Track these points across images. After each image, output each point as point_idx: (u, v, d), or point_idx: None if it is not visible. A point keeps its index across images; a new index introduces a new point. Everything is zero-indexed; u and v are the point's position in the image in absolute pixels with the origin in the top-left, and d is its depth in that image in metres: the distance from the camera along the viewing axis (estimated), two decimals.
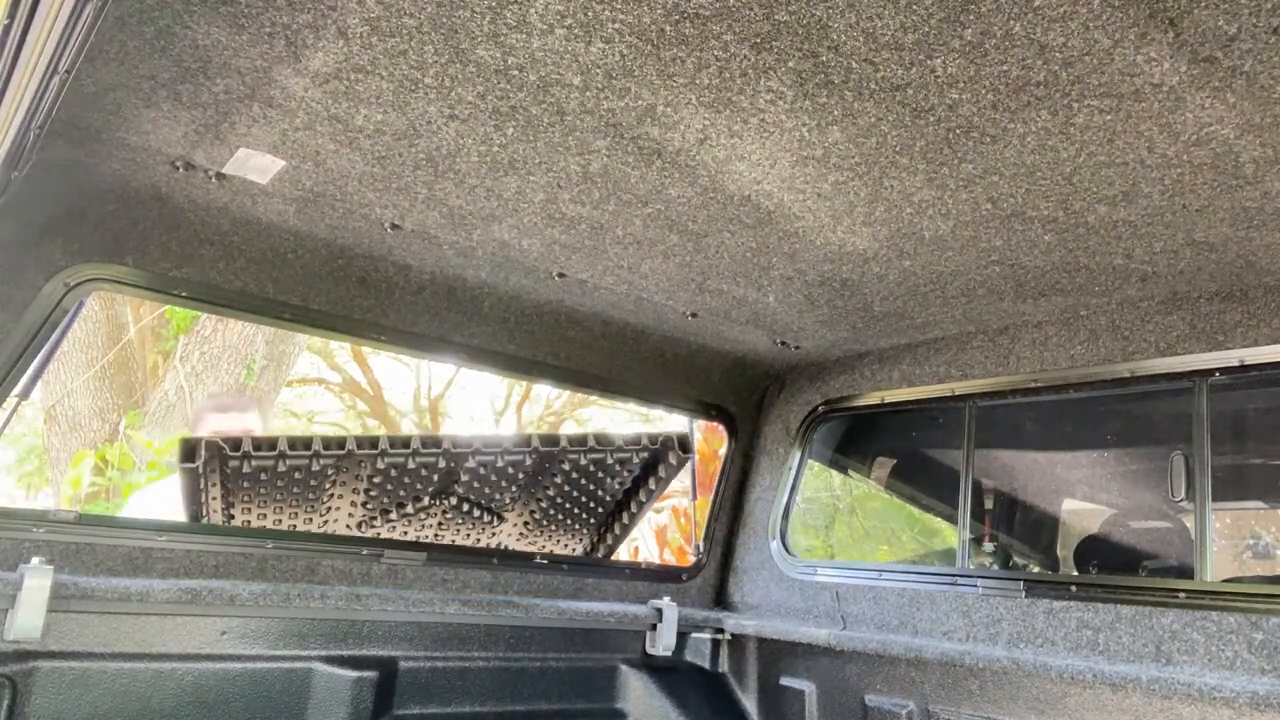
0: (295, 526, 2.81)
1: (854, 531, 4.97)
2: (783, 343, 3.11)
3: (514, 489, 3.04)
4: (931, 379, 2.98)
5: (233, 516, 2.65)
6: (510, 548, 3.24)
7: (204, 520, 2.60)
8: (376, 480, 2.76)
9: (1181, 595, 2.29)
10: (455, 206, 2.22)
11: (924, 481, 3.87)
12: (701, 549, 3.43)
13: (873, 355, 3.15)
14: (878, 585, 2.93)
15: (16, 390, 2.19)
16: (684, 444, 3.10)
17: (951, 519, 3.09)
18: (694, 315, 2.89)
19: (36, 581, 2.03)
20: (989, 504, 3.61)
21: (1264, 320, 2.30)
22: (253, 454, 2.53)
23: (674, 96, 1.69)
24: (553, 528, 3.29)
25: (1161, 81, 1.54)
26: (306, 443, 2.59)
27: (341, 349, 16.90)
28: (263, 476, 2.56)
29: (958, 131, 1.73)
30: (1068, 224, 2.08)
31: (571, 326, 2.94)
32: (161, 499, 3.22)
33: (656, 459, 3.18)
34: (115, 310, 8.10)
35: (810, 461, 3.45)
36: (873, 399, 3.16)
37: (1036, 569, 3.78)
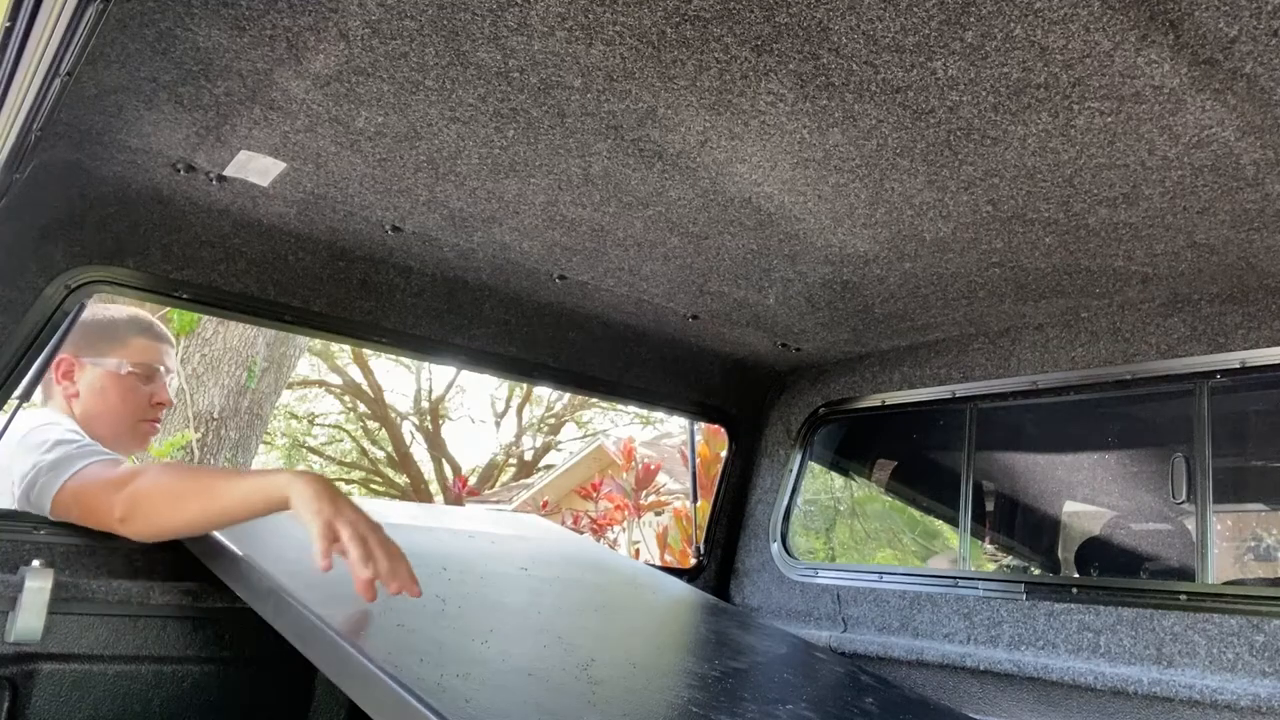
0: None
1: (855, 534, 4.97)
2: (783, 345, 3.11)
3: None
4: (932, 381, 2.98)
5: None
6: None
7: None
8: None
9: (1183, 597, 2.29)
10: (456, 209, 2.22)
11: (925, 484, 3.87)
12: (702, 551, 3.42)
13: (873, 357, 3.15)
14: (879, 587, 2.93)
15: (17, 393, 2.19)
16: None
17: (952, 521, 3.09)
18: (695, 317, 2.89)
19: (37, 583, 2.03)
20: (990, 506, 3.61)
21: (1265, 322, 2.30)
22: None
23: (675, 99, 1.70)
24: None
25: (1162, 84, 1.54)
26: None
27: (342, 351, 16.92)
28: None
29: (958, 133, 1.74)
30: (1068, 226, 2.08)
31: (572, 329, 2.94)
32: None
33: None
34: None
35: (811, 464, 3.45)
36: (873, 401, 3.17)
37: (1037, 571, 3.78)
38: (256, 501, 1.98)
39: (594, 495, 8.07)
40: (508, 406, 19.40)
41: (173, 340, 2.79)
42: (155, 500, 2.08)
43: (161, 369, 2.64)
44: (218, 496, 2.04)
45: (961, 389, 2.90)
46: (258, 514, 2.01)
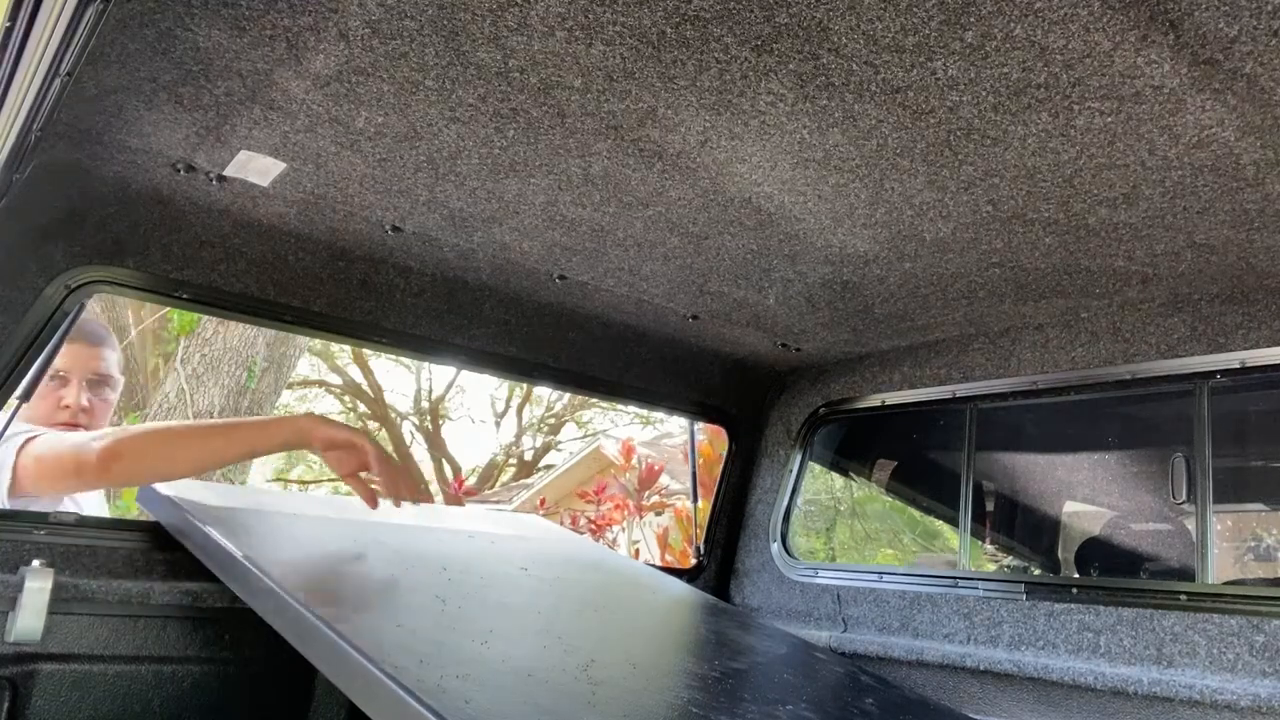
0: None
1: (855, 534, 4.97)
2: (783, 345, 3.11)
3: None
4: (932, 381, 2.98)
5: None
6: None
7: None
8: None
9: (1183, 597, 2.29)
10: (456, 209, 2.23)
11: (925, 484, 3.87)
12: (703, 551, 3.43)
13: (873, 357, 3.15)
14: (879, 588, 2.93)
15: (17, 393, 2.20)
16: None
17: (952, 521, 3.09)
18: (695, 317, 2.89)
19: (37, 583, 2.03)
20: (990, 506, 3.61)
21: (1265, 322, 2.30)
22: None
23: (675, 99, 1.70)
24: None
25: (1162, 84, 1.54)
26: None
27: (342, 351, 16.91)
28: None
29: (958, 134, 1.74)
30: (1068, 226, 2.08)
31: (572, 329, 2.94)
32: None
33: None
34: (116, 313, 8.11)
35: (811, 464, 3.45)
36: (873, 401, 3.17)
37: (1037, 571, 3.78)
38: (279, 443, 2.40)
39: (597, 500, 8.05)
40: (508, 406, 19.40)
41: (102, 343, 2.71)
42: (150, 442, 2.27)
43: (73, 374, 2.58)
44: (234, 435, 2.44)
45: (961, 389, 2.90)
46: (275, 451, 2.46)
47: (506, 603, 2.30)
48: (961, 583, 2.74)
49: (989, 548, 3.75)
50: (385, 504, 2.45)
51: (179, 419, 7.11)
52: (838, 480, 4.28)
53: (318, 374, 18.08)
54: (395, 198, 2.18)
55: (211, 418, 7.25)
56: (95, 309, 7.72)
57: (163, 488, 2.32)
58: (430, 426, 18.79)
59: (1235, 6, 1.35)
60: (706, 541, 3.42)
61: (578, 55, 1.58)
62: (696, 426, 3.72)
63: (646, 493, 8.09)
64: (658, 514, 8.54)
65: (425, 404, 19.04)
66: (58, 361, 2.51)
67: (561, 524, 5.95)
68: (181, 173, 2.09)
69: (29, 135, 1.74)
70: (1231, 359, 2.35)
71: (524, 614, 2.26)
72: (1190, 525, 2.60)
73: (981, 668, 2.52)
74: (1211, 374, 2.38)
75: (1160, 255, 2.18)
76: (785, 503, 3.31)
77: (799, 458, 3.32)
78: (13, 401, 2.21)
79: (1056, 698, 2.40)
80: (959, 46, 1.48)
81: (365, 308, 2.59)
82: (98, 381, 2.64)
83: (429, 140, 1.91)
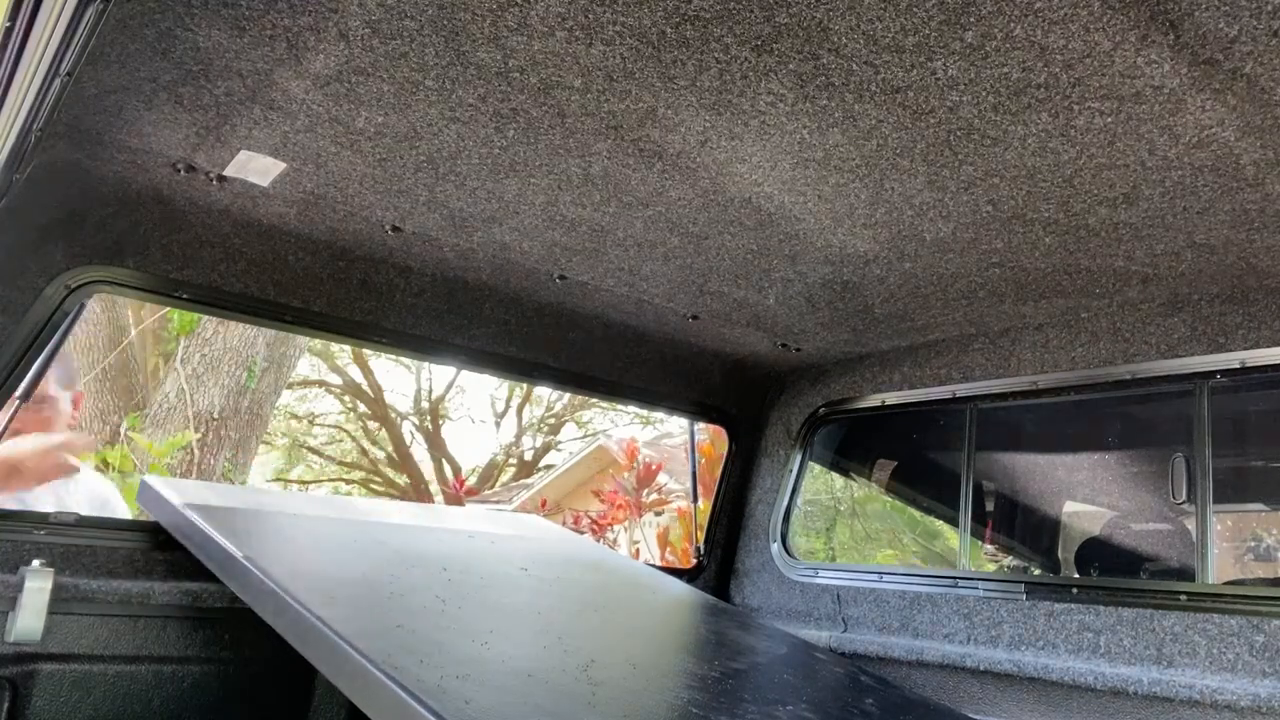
0: None
1: (855, 534, 4.97)
2: (783, 345, 3.11)
3: None
4: (932, 381, 2.98)
5: None
6: None
7: None
8: None
9: (1183, 598, 2.29)
10: (456, 209, 2.23)
11: (925, 484, 3.87)
12: (703, 551, 3.43)
13: (873, 357, 3.15)
14: (879, 588, 2.93)
15: (18, 393, 2.20)
16: None
17: (952, 521, 3.09)
18: (695, 317, 2.89)
19: (37, 584, 2.04)
20: (990, 506, 3.61)
21: (1265, 323, 2.30)
22: None
23: (675, 99, 1.70)
24: None
25: (1162, 84, 1.54)
26: None
27: (342, 351, 16.91)
28: None
29: (958, 134, 1.74)
30: (1068, 226, 2.08)
31: (572, 329, 2.95)
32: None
33: None
34: (116, 313, 8.11)
35: (811, 464, 3.45)
36: (873, 401, 3.17)
37: (1037, 571, 3.78)
38: None
39: (611, 501, 8.06)
40: (508, 406, 19.39)
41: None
42: None
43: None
44: None
45: (961, 389, 2.90)
46: None
47: (506, 603, 2.30)
48: (961, 583, 2.74)
49: (989, 548, 3.75)
50: (385, 504, 2.43)
51: (179, 420, 7.12)
52: (838, 480, 4.27)
53: (318, 374, 18.08)
54: (395, 198, 2.18)
55: (212, 418, 7.25)
56: (95, 308, 7.72)
57: (163, 487, 2.32)
58: (430, 426, 18.79)
59: (1235, 6, 1.35)
60: (706, 541, 3.42)
61: (578, 55, 1.59)
62: (697, 426, 3.73)
63: (645, 491, 8.09)
64: (657, 513, 8.54)
65: (425, 404, 19.04)
66: None
67: (562, 524, 5.95)
68: (181, 173, 2.09)
69: (29, 135, 1.74)
70: (1231, 359, 2.35)
71: (524, 614, 2.26)
72: (1190, 525, 2.60)
73: (981, 668, 2.52)
74: (1211, 374, 2.38)
75: (1160, 255, 2.18)
76: (785, 503, 3.31)
77: (799, 458, 3.32)
78: (13, 403, 2.21)
79: (1056, 698, 2.40)
80: (959, 46, 1.48)
81: (365, 308, 2.59)
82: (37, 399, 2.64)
83: (429, 140, 1.91)
